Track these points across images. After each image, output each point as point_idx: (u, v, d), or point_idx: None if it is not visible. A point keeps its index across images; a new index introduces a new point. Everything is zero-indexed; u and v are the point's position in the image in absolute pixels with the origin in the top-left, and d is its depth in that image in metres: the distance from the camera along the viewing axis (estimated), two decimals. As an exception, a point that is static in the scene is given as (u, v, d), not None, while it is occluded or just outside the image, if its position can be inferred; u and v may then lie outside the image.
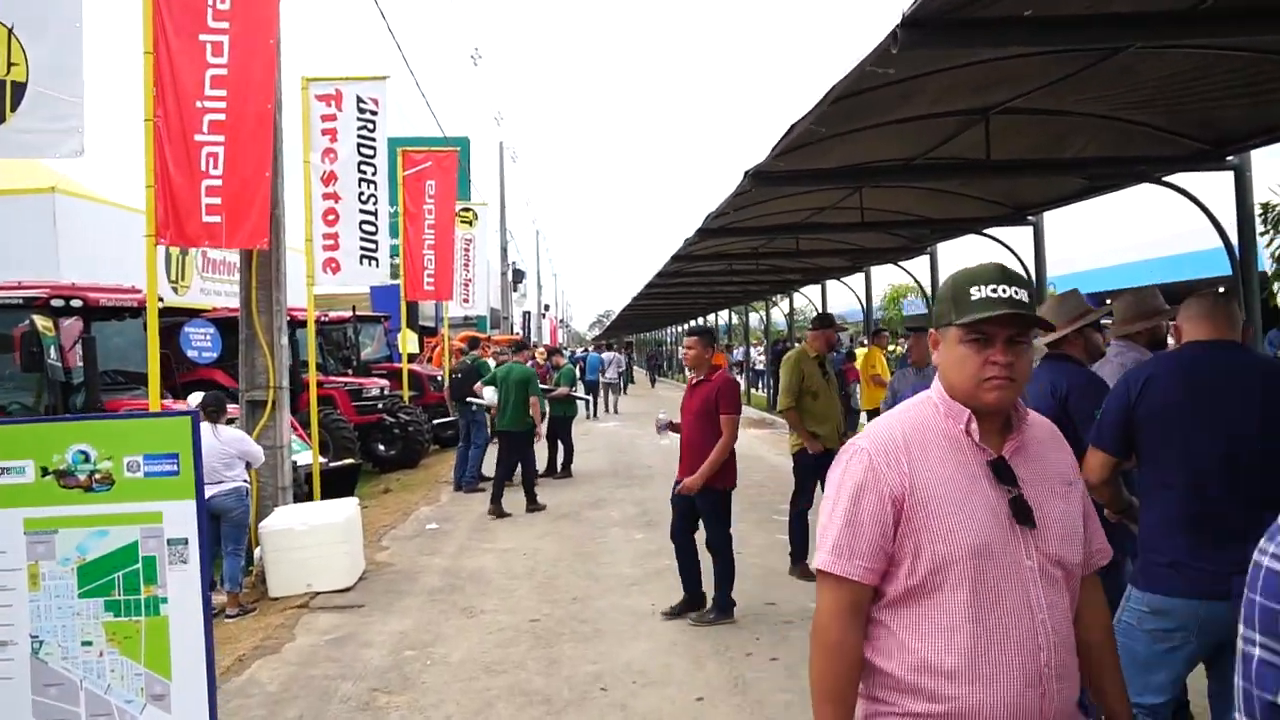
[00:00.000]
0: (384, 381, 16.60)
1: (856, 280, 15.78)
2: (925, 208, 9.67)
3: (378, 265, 12.60)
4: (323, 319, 16.94)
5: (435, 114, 36.94)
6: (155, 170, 7.66)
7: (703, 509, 6.53)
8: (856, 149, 6.78)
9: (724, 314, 32.80)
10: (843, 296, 18.05)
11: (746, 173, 6.67)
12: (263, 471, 8.40)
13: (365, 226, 12.48)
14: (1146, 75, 5.43)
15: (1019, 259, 9.73)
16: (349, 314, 18.44)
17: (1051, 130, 6.70)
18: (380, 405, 16.13)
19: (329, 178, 12.25)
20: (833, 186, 8.53)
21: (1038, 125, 6.56)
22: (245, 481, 7.22)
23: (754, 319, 29.19)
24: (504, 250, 34.69)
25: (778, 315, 25.87)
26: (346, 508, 8.04)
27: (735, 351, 29.18)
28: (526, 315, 67.15)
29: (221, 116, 8.01)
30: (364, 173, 12.44)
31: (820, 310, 18.19)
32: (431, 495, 12.43)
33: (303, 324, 16.97)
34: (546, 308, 75.96)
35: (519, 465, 11.38)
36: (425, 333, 31.54)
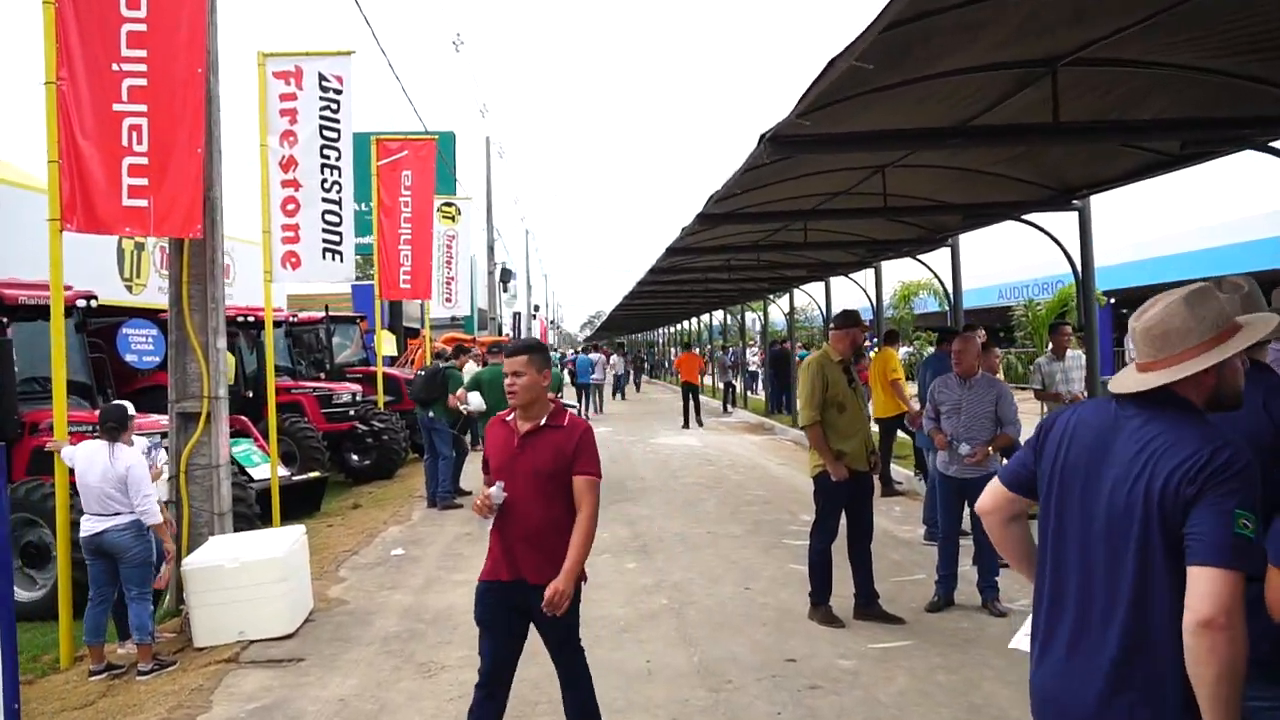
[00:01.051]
0: (356, 386, 15.43)
1: (864, 278, 14.68)
2: (954, 192, 8.75)
3: (342, 260, 11.46)
4: (290, 319, 15.79)
5: (415, 106, 35.78)
6: (60, 143, 6.51)
7: (557, 628, 3.92)
8: (898, 110, 5.78)
9: (718, 314, 31.75)
10: (848, 294, 16.94)
11: (762, 136, 5.50)
12: (196, 495, 7.26)
13: (328, 217, 11.34)
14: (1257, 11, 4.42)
15: (1061, 246, 8.68)
16: (321, 314, 17.30)
17: (1126, 88, 5.69)
18: (352, 412, 14.98)
19: (288, 163, 11.11)
20: (858, 162, 7.57)
21: (1111, 81, 5.55)
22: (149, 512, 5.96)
23: (750, 318, 28.07)
24: (491, 248, 33.51)
25: (776, 315, 24.78)
26: (288, 538, 6.88)
27: (729, 352, 28.06)
28: (517, 316, 66.01)
29: (143, 81, 6.86)
30: (327, 158, 11.30)
31: (826, 308, 17.09)
32: (403, 513, 11.28)
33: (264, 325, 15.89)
34: (536, 308, 74.86)
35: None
36: (409, 335, 30.46)
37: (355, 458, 15.45)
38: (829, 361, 6.21)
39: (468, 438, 13.82)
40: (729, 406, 25.71)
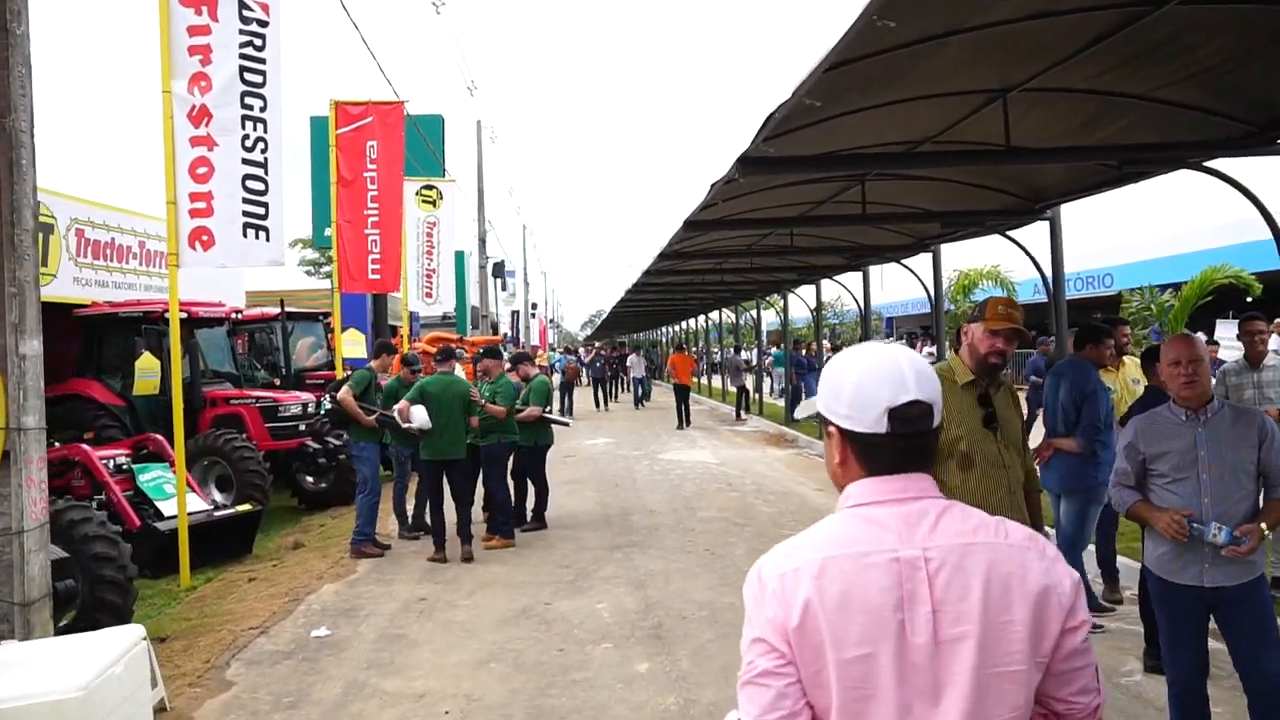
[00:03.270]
0: (308, 395, 12.96)
1: (917, 264, 12.22)
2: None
3: (268, 238, 9.00)
4: (231, 316, 13.33)
5: (382, 67, 33.30)
6: None
7: None
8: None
9: (729, 312, 29.32)
10: (900, 282, 14.81)
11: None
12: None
13: (251, 184, 8.89)
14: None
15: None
16: (275, 311, 14.86)
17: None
18: (303, 426, 12.51)
19: (199, 115, 8.68)
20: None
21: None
22: None
23: (759, 312, 25.59)
24: (482, 241, 31.02)
25: (800, 309, 22.38)
26: (108, 653, 4.39)
27: (741, 353, 25.59)
28: (515, 315, 63.50)
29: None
30: (250, 108, 8.86)
31: (816, 308, 14.65)
32: (346, 563, 8.81)
33: (208, 323, 13.47)
34: (534, 306, 72.51)
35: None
36: (394, 335, 27.98)
37: (310, 480, 13.02)
38: (954, 380, 3.51)
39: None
40: (743, 413, 23.26)
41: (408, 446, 9.66)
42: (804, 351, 21.28)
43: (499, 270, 36.62)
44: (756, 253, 12.61)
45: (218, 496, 11.63)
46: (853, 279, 15.34)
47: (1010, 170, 7.51)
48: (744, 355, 26.00)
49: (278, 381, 14.61)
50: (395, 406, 8.94)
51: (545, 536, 9.61)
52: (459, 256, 40.10)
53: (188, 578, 8.46)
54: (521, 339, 62.12)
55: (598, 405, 27.30)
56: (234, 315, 13.38)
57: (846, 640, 1.42)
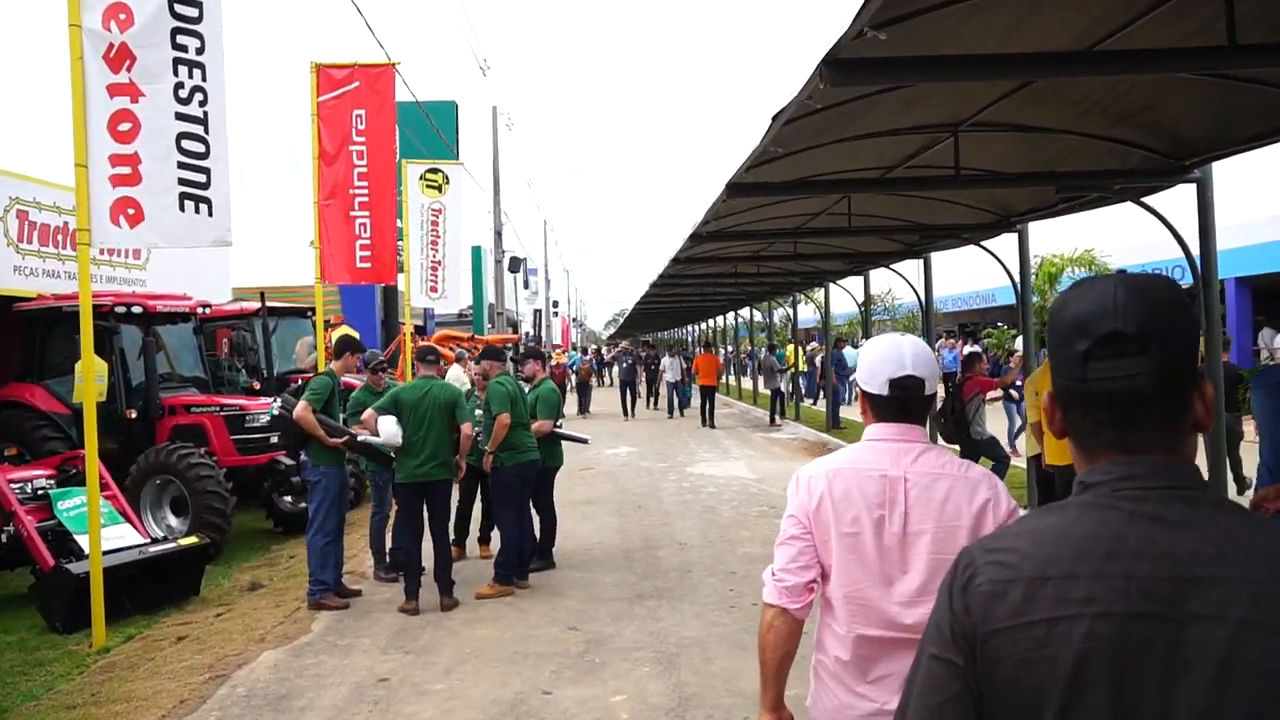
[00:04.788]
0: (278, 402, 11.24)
1: (998, 246, 10.33)
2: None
3: (210, 212, 7.24)
4: (197, 311, 11.64)
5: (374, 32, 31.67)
6: None
7: None
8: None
9: (754, 309, 27.45)
10: (976, 266, 13.26)
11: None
12: None
13: (188, 144, 7.16)
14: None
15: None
16: (255, 305, 13.19)
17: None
18: (275, 439, 10.76)
19: (119, 56, 6.95)
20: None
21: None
22: None
23: (806, 310, 23.65)
24: (498, 234, 29.28)
25: (844, 302, 20.49)
26: None
27: (770, 351, 23.65)
28: (538, 313, 61.81)
29: None
30: (183, 49, 7.12)
31: (866, 300, 12.80)
32: (301, 617, 7.04)
33: (168, 318, 11.78)
34: (555, 304, 70.93)
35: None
36: (421, 335, 26.25)
37: (288, 500, 11.33)
38: None
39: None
40: (777, 418, 21.37)
41: (384, 470, 7.90)
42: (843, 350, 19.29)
43: (516, 265, 34.89)
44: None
45: (173, 521, 9.95)
46: (906, 269, 13.55)
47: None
48: (779, 353, 24.03)
49: (257, 386, 12.92)
50: (361, 416, 7.18)
51: (551, 579, 7.82)
52: (475, 251, 38.45)
53: (102, 635, 6.73)
54: (543, 338, 60.57)
55: (625, 412, 24.36)
56: (201, 310, 11.68)
57: (844, 521, 2.16)
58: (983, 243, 10.00)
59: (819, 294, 19.38)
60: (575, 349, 58.97)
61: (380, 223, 11.69)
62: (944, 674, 1.13)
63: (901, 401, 2.18)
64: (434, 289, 17.21)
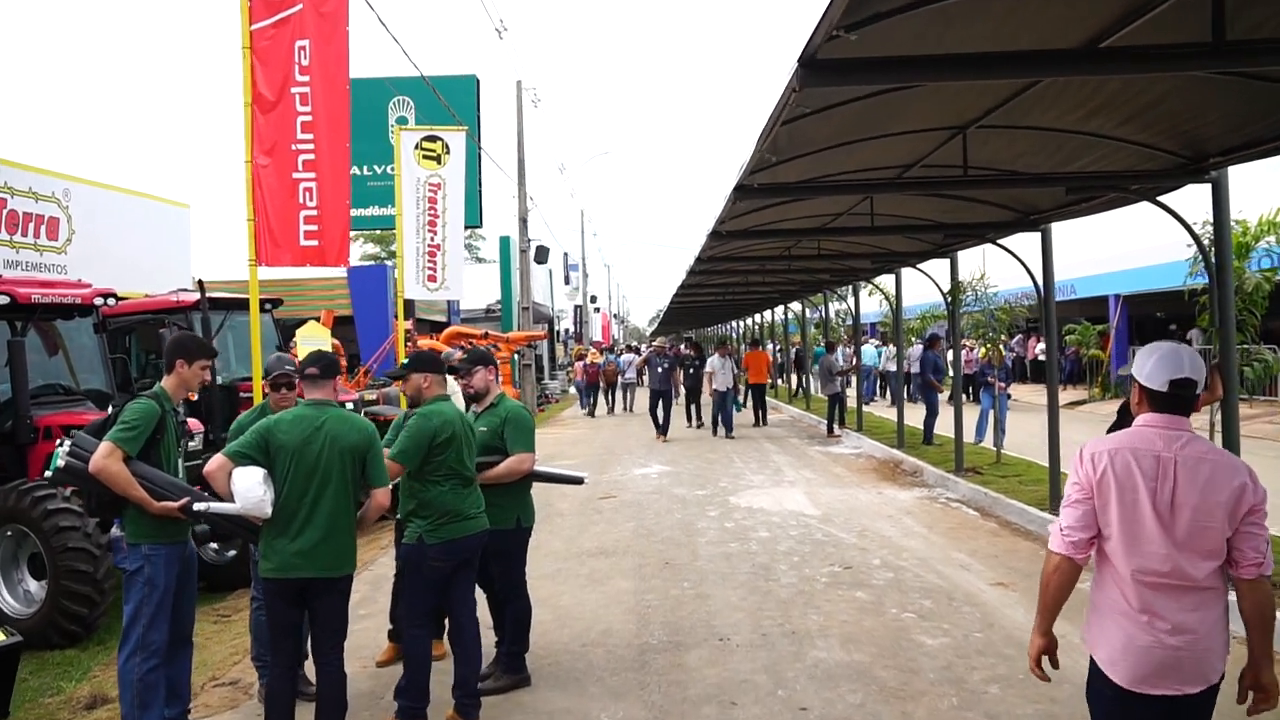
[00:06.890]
0: (193, 423, 8.67)
1: (1136, 216, 7.45)
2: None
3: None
4: (94, 301, 9.04)
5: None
6: None
7: None
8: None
9: (793, 304, 24.54)
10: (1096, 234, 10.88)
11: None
12: None
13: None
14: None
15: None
16: (187, 297, 10.66)
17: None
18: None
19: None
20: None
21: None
22: None
23: (857, 300, 20.62)
24: (523, 221, 26.57)
25: (918, 291, 17.56)
26: None
27: (837, 351, 20.62)
28: (579, 310, 59.13)
29: None
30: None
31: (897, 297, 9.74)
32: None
33: (52, 312, 9.17)
34: (594, 299, 68.30)
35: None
36: (433, 330, 23.63)
37: (213, 548, 8.79)
38: None
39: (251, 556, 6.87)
40: (836, 426, 18.44)
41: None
42: (936, 350, 16.20)
43: (543, 255, 32.21)
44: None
45: (31, 586, 7.40)
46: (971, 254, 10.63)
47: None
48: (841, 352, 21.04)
49: (193, 397, 10.33)
50: (205, 469, 4.45)
51: (518, 709, 5.06)
52: (504, 242, 35.84)
53: None
54: (583, 335, 57.86)
55: (658, 429, 18.89)
56: (103, 300, 9.08)
57: (1125, 489, 2.81)
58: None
59: (888, 283, 16.39)
60: (615, 344, 56.22)
61: (329, 187, 8.98)
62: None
63: (1177, 398, 2.86)
64: (432, 278, 14.49)
